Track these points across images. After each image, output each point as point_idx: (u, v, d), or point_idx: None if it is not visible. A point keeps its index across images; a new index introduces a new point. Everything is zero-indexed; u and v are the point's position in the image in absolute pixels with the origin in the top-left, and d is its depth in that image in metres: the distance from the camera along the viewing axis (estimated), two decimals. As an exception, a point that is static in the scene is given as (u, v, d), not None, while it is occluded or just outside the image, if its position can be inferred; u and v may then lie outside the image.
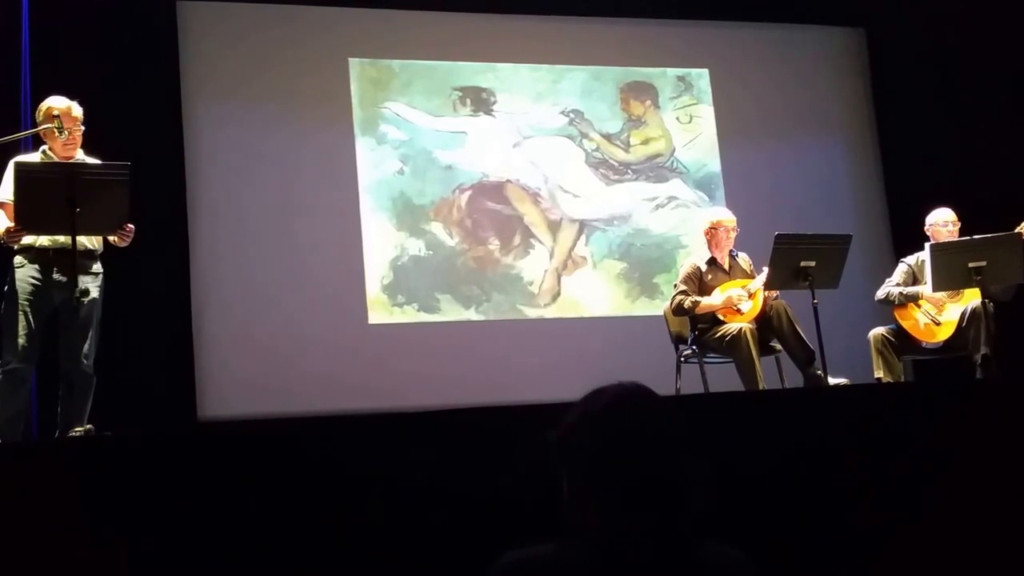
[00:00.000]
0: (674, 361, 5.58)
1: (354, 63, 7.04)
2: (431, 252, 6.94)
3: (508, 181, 7.17)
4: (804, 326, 5.31)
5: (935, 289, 5.36)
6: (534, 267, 7.10)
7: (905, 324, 5.52)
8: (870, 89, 8.02)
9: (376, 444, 3.27)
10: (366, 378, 6.44)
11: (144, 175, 4.62)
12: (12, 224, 4.31)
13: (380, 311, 6.78)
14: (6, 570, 2.85)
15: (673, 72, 7.70)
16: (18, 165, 4.29)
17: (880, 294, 5.67)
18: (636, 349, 6.35)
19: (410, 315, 6.82)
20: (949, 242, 5.43)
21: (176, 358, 6.25)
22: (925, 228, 5.68)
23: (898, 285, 5.63)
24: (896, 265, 5.86)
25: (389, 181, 6.95)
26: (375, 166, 6.94)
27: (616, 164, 7.43)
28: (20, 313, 4.33)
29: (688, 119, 7.66)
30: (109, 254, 4.57)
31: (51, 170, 4.37)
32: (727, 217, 5.70)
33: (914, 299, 5.52)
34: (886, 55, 7.94)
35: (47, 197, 4.13)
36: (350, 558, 3.03)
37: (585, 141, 7.39)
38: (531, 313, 7.03)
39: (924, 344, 5.53)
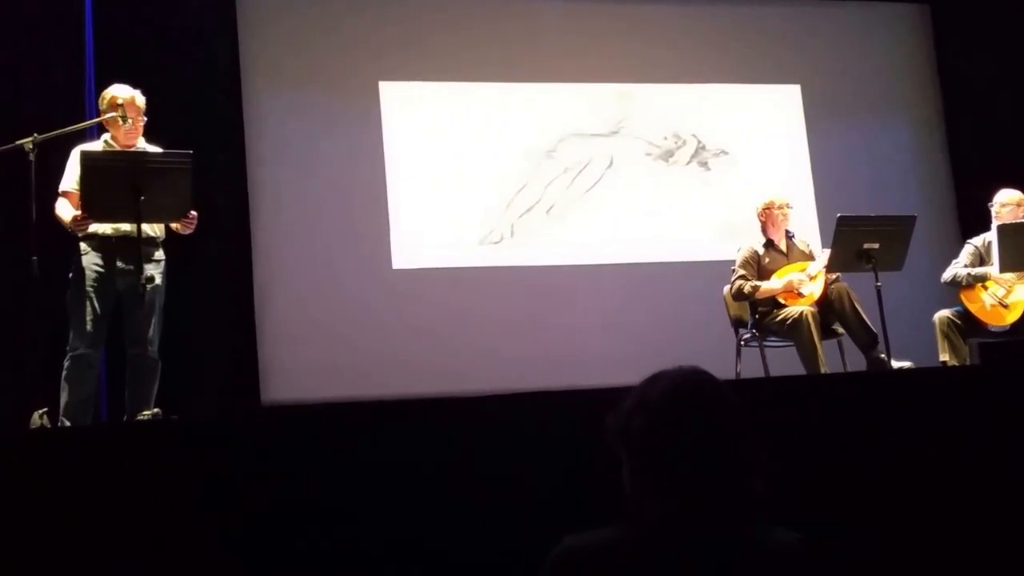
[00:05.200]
0: (734, 345, 5.54)
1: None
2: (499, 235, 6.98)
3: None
4: (867, 309, 5.23)
5: (1002, 270, 5.28)
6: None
7: (971, 307, 5.42)
8: (935, 67, 7.86)
9: (443, 428, 3.29)
10: (433, 360, 6.48)
11: (206, 162, 4.69)
12: (79, 212, 4.40)
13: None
14: (76, 550, 2.93)
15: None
16: (84, 154, 4.37)
17: (947, 276, 5.57)
18: (696, 332, 6.31)
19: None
20: (1017, 223, 5.33)
21: (240, 343, 6.34)
22: (990, 208, 5.57)
23: (965, 267, 5.53)
24: (962, 246, 5.76)
25: (451, 162, 6.97)
26: (436, 148, 6.96)
27: (675, 154, 7.38)
28: (86, 300, 4.42)
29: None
30: (172, 241, 4.65)
31: (116, 159, 4.45)
32: (779, 197, 5.66)
33: (982, 280, 5.43)
34: (952, 32, 7.77)
35: (113, 185, 4.21)
36: (413, 543, 3.05)
37: (639, 142, 7.33)
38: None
39: (990, 327, 5.42)
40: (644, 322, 6.88)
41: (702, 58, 7.47)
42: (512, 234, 7.04)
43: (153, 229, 4.52)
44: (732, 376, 5.28)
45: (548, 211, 7.11)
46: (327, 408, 4.66)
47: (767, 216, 5.62)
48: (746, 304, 5.52)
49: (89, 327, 4.41)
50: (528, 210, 7.08)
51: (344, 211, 6.72)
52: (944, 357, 5.34)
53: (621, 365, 5.98)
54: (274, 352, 6.46)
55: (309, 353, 6.44)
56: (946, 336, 5.36)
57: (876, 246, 5.14)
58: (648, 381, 1.60)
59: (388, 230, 6.79)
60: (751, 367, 5.42)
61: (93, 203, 4.31)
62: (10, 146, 4.36)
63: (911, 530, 3.25)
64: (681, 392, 1.56)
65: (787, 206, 5.61)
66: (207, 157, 4.86)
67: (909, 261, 5.32)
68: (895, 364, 5.03)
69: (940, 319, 5.42)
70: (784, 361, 5.38)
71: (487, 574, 3.01)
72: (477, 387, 5.70)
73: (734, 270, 5.56)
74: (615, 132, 7.30)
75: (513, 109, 7.15)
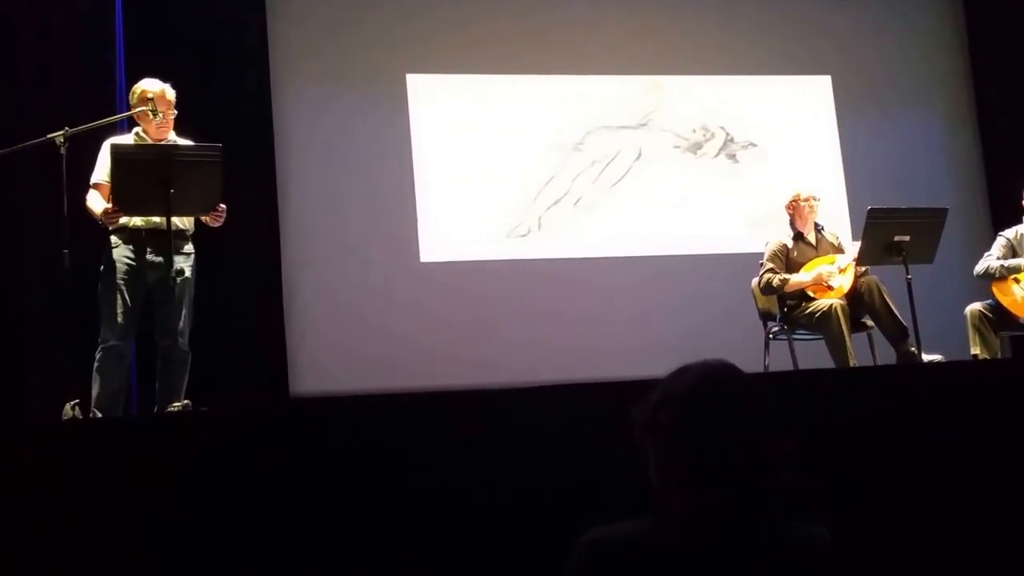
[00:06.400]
0: (762, 338, 5.51)
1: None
2: (527, 228, 6.97)
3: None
4: (897, 302, 5.19)
5: (1034, 262, 5.24)
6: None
7: (1003, 300, 5.37)
8: (968, 58, 7.77)
9: (471, 421, 3.29)
10: (460, 353, 6.49)
11: (235, 155, 4.71)
12: (109, 205, 4.43)
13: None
14: (106, 539, 2.96)
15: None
16: (114, 147, 4.41)
17: (979, 268, 5.52)
18: (724, 325, 6.28)
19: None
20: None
21: (268, 335, 6.38)
22: (1022, 202, 5.52)
23: (997, 259, 5.48)
24: (994, 239, 5.70)
25: (478, 155, 6.97)
26: (463, 140, 6.97)
27: (703, 146, 7.34)
28: (117, 292, 4.44)
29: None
30: (201, 233, 4.68)
31: (146, 152, 4.47)
32: (805, 189, 5.63)
33: (1015, 272, 5.38)
34: (984, 22, 7.68)
35: (143, 178, 4.23)
36: (441, 534, 3.06)
37: (667, 135, 7.29)
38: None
39: (1022, 320, 5.37)
40: (672, 315, 6.86)
41: (731, 50, 7.42)
42: (539, 227, 7.03)
43: (183, 222, 4.54)
44: (760, 369, 5.25)
45: (575, 204, 7.10)
46: (355, 400, 4.67)
47: (794, 209, 5.60)
48: (774, 297, 5.50)
49: (120, 319, 4.44)
50: (555, 203, 7.07)
51: (372, 204, 6.73)
52: (975, 350, 5.30)
53: (648, 358, 5.95)
54: (302, 344, 6.49)
55: (337, 345, 6.47)
56: (977, 329, 5.32)
57: (907, 239, 5.10)
58: (675, 374, 1.60)
59: (416, 223, 6.81)
60: (779, 360, 5.40)
61: (123, 196, 4.34)
62: (41, 140, 4.41)
63: (940, 525, 3.23)
64: (708, 386, 1.56)
65: (814, 199, 5.58)
66: (236, 150, 4.88)
67: (940, 254, 5.28)
68: (925, 357, 4.99)
69: (971, 312, 5.37)
70: (813, 354, 5.35)
71: (514, 565, 3.01)
72: (505, 380, 5.71)
73: (762, 263, 5.53)
74: (643, 124, 7.28)
75: (541, 101, 7.14)
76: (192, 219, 4.59)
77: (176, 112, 4.63)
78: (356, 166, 6.76)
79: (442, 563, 3.04)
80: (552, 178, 7.09)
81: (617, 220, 7.11)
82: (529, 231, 7.02)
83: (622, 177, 7.19)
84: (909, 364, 5.00)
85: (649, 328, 6.76)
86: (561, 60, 7.15)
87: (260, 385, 6.13)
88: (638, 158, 7.23)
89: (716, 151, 7.36)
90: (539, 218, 7.04)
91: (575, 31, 7.20)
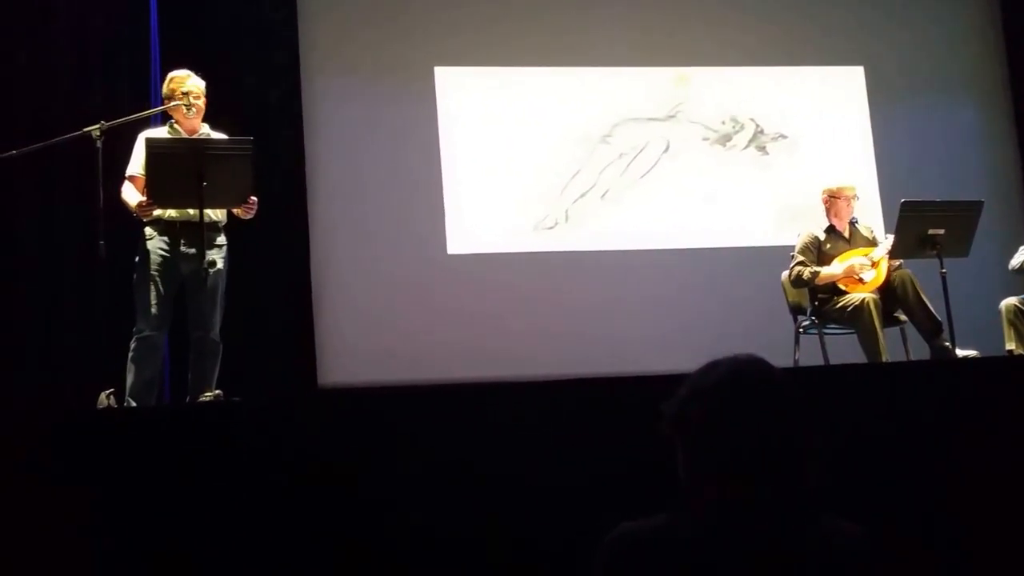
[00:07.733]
0: (792, 332, 5.48)
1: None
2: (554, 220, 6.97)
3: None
4: (931, 296, 5.14)
5: (1070, 257, 5.17)
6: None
7: (1039, 294, 5.32)
8: (1003, 47, 7.67)
9: (497, 413, 3.30)
10: (487, 345, 6.50)
11: (265, 147, 4.74)
12: (144, 198, 4.48)
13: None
14: (139, 525, 3.00)
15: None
16: (149, 141, 4.46)
17: (1015, 262, 5.46)
18: (754, 319, 6.24)
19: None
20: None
21: (298, 327, 6.42)
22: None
23: (1033, 253, 5.43)
24: (1030, 232, 5.65)
25: (506, 147, 6.97)
26: (491, 133, 6.97)
27: (732, 138, 7.29)
28: (151, 283, 4.50)
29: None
30: (232, 226, 4.72)
31: (180, 145, 4.53)
32: (847, 185, 5.56)
33: (1051, 266, 5.34)
34: (1020, 10, 7.57)
35: (176, 171, 4.29)
36: (468, 526, 3.07)
37: (696, 127, 7.25)
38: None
39: (1058, 315, 5.31)
40: (700, 309, 6.83)
41: (762, 40, 7.36)
42: (567, 219, 7.02)
43: (215, 214, 4.59)
44: (790, 364, 5.22)
45: (603, 196, 7.08)
46: (383, 391, 4.70)
47: (832, 204, 5.52)
48: (805, 291, 5.45)
49: (154, 310, 4.50)
50: (583, 195, 7.06)
51: (399, 196, 6.75)
52: (1010, 346, 5.24)
53: (677, 352, 5.95)
54: (331, 336, 6.52)
55: (365, 337, 6.49)
56: (1012, 324, 5.26)
57: (941, 232, 5.05)
58: (703, 369, 1.59)
59: (443, 215, 6.82)
60: (810, 355, 5.36)
61: (157, 189, 4.39)
62: (78, 133, 4.47)
63: (973, 521, 3.20)
64: (737, 380, 1.55)
65: (855, 197, 5.51)
66: (266, 143, 4.92)
67: (975, 247, 5.22)
68: (960, 353, 4.94)
69: (1006, 307, 5.31)
70: (844, 349, 5.31)
71: (541, 556, 3.02)
72: (531, 372, 5.71)
73: (793, 256, 5.48)
74: (671, 116, 7.25)
75: (568, 94, 7.12)
76: (224, 211, 4.63)
77: (204, 98, 4.67)
78: (384, 158, 6.78)
79: (467, 553, 3.06)
80: (579, 171, 7.07)
81: (645, 213, 7.08)
82: (556, 224, 7.01)
83: (650, 170, 7.17)
84: (943, 359, 4.95)
85: (678, 322, 6.73)
86: (589, 52, 7.12)
87: (289, 376, 6.17)
88: (666, 150, 7.20)
89: (745, 143, 7.32)
90: (566, 211, 7.03)
91: (603, 23, 7.17)
